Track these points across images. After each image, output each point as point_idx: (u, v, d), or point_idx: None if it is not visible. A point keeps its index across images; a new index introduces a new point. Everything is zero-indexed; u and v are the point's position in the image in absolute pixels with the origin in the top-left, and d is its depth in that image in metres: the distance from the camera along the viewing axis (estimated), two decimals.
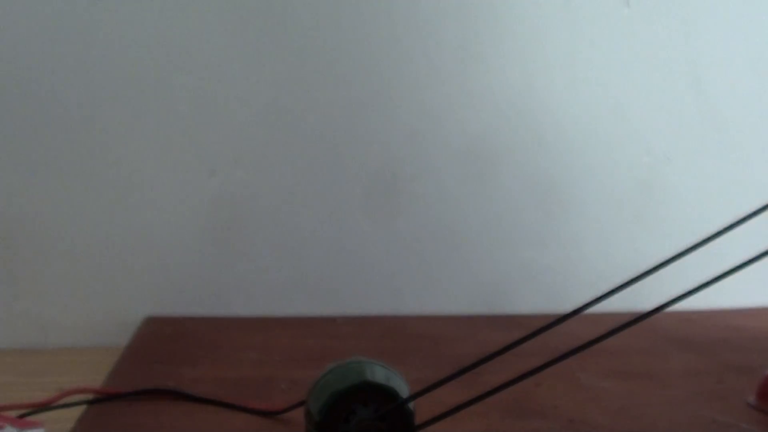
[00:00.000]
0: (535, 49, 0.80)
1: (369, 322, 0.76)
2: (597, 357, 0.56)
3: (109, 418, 0.49)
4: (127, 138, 0.73)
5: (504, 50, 0.79)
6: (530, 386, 0.53)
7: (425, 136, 0.79)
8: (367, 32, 0.77)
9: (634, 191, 0.84)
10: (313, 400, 0.40)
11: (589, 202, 0.83)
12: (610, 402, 0.54)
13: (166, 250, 0.75)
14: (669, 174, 0.84)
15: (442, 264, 0.81)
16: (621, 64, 0.82)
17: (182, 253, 0.76)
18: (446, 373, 0.39)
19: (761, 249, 0.39)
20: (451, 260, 0.81)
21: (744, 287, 0.82)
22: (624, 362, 0.63)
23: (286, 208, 0.77)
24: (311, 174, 0.77)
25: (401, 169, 0.79)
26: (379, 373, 0.40)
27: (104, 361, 0.62)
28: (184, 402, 0.52)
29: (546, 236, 0.83)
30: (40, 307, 0.73)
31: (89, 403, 0.51)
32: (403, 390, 0.40)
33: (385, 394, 0.39)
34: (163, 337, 0.68)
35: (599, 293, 0.40)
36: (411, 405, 0.40)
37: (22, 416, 0.49)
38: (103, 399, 0.52)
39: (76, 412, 0.50)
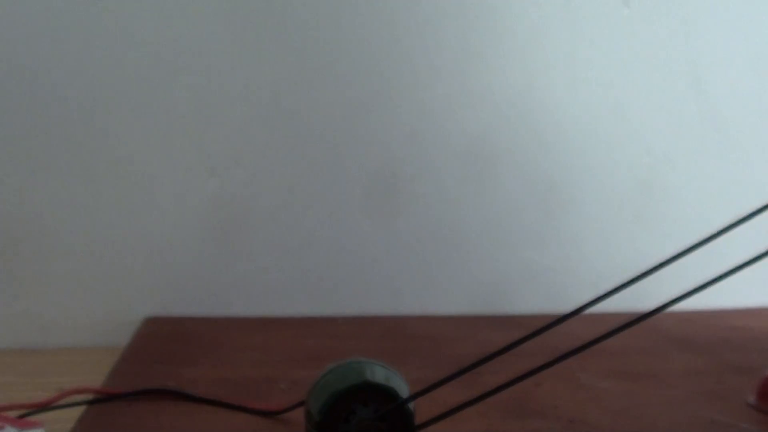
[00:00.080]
0: (535, 49, 0.80)
1: (369, 322, 0.76)
2: (597, 357, 0.56)
3: (109, 418, 0.49)
4: (127, 138, 0.74)
5: (504, 50, 0.79)
6: (530, 386, 0.53)
7: (425, 136, 0.79)
8: (367, 32, 0.77)
9: (634, 191, 0.84)
10: (313, 400, 0.40)
11: (589, 202, 0.83)
12: (610, 402, 0.54)
13: (166, 250, 0.75)
14: (669, 174, 0.84)
15: (442, 264, 0.81)
16: (621, 64, 0.82)
17: (182, 253, 0.76)
18: (446, 373, 0.39)
19: (761, 249, 0.39)
20: (451, 260, 0.81)
21: (744, 287, 0.82)
22: (624, 362, 0.63)
23: (286, 208, 0.77)
24: (311, 174, 0.77)
25: (401, 169, 0.79)
26: (379, 373, 0.40)
27: (104, 361, 0.62)
28: (184, 402, 0.52)
29: (546, 236, 0.83)
30: (40, 307, 0.73)
31: (89, 403, 0.51)
32: (403, 390, 0.40)
33: (385, 394, 0.39)
34: (163, 337, 0.68)
35: (599, 293, 0.40)
36: (411, 405, 0.40)
37: (22, 416, 0.48)
38: (103, 399, 0.52)
39: (76, 412, 0.50)
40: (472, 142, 0.80)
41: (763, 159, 0.86)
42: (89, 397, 0.52)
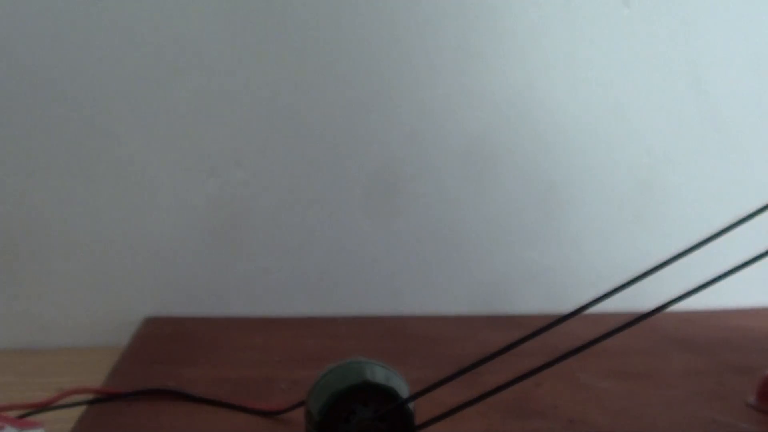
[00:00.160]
0: (535, 49, 0.80)
1: (369, 322, 0.76)
2: (597, 357, 0.56)
3: (109, 418, 0.49)
4: (127, 138, 0.74)
5: (504, 50, 0.79)
6: (530, 386, 0.53)
7: (425, 136, 0.79)
8: (367, 32, 0.77)
9: (634, 191, 0.84)
10: (313, 400, 0.40)
11: (589, 202, 0.83)
12: (610, 402, 0.54)
13: (166, 250, 0.75)
14: (669, 174, 0.84)
15: (442, 264, 0.81)
16: (621, 64, 0.82)
17: (182, 253, 0.76)
18: (446, 373, 0.39)
19: (761, 249, 0.39)
20: (451, 260, 0.81)
21: (744, 287, 0.82)
22: (624, 362, 0.63)
23: (286, 208, 0.77)
24: (311, 174, 0.77)
25: (401, 169, 0.79)
26: (379, 373, 0.40)
27: (104, 361, 0.62)
28: (184, 402, 0.52)
29: (546, 236, 0.83)
30: (40, 307, 0.73)
31: (89, 403, 0.51)
32: (403, 390, 0.40)
33: (385, 394, 0.39)
34: (163, 337, 0.68)
35: (599, 293, 0.40)
36: (411, 405, 0.40)
37: (22, 416, 0.48)
38: (103, 399, 0.52)
39: (76, 412, 0.50)
40: (472, 142, 0.80)
41: (763, 159, 0.86)
42: (89, 397, 0.52)
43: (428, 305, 0.81)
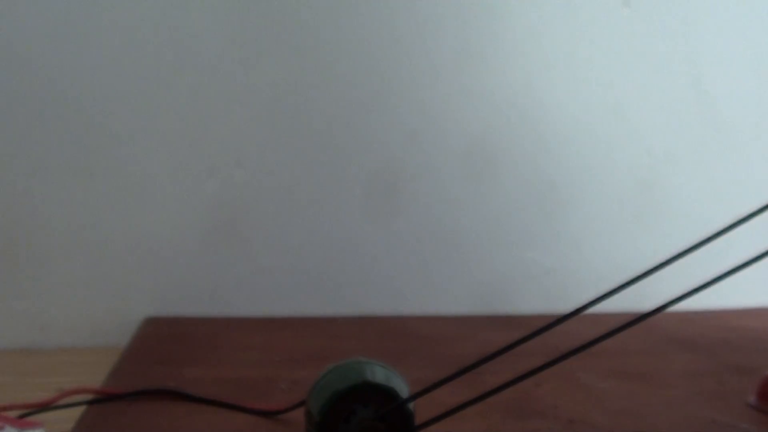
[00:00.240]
0: (535, 49, 0.80)
1: (369, 322, 0.76)
2: (597, 357, 0.56)
3: (109, 419, 0.49)
4: (127, 138, 0.73)
5: (504, 50, 0.79)
6: (530, 386, 0.53)
7: (425, 136, 0.79)
8: (367, 32, 0.77)
9: (634, 191, 0.84)
10: (313, 400, 0.40)
11: (589, 202, 0.83)
12: (610, 402, 0.54)
13: (166, 250, 0.75)
14: (669, 174, 0.84)
15: (442, 264, 0.81)
16: (621, 64, 0.82)
17: (182, 253, 0.76)
18: (446, 373, 0.39)
19: (761, 249, 0.39)
20: (451, 260, 0.81)
21: (744, 287, 0.82)
22: (624, 362, 0.63)
23: (286, 208, 0.77)
24: (311, 174, 0.77)
25: (401, 169, 0.79)
26: (379, 373, 0.40)
27: (104, 361, 0.62)
28: (184, 402, 0.52)
29: (546, 236, 0.83)
30: (40, 307, 0.73)
31: (89, 403, 0.51)
32: (403, 390, 0.40)
33: (385, 394, 0.39)
34: (163, 337, 0.68)
35: (599, 293, 0.40)
36: (411, 405, 0.40)
37: (22, 416, 0.48)
38: (103, 399, 0.52)
39: (76, 412, 0.50)
40: (471, 142, 0.80)
41: (763, 159, 0.86)
42: (89, 397, 0.52)
43: (428, 305, 0.81)
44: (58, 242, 0.73)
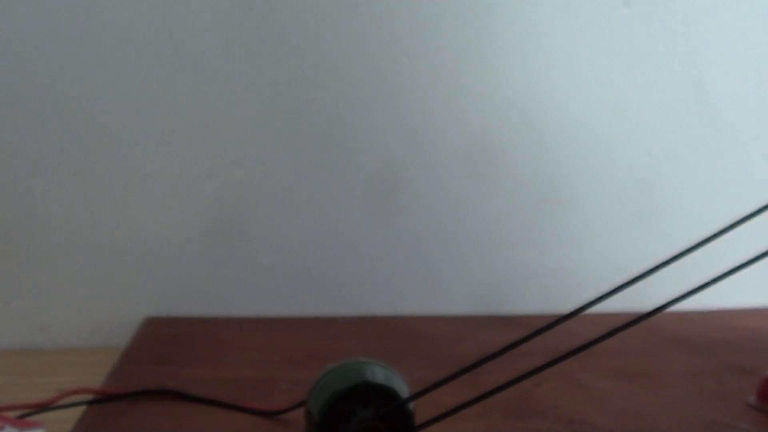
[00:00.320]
0: (535, 49, 0.80)
1: (369, 322, 0.76)
2: (597, 357, 0.56)
3: (109, 419, 0.49)
4: (127, 138, 0.73)
5: (504, 50, 0.79)
6: (530, 387, 0.53)
7: (425, 136, 0.79)
8: (367, 32, 0.77)
9: (634, 191, 0.84)
10: (313, 400, 0.40)
11: (589, 202, 0.83)
12: (610, 402, 0.54)
13: (166, 250, 0.75)
14: (669, 174, 0.84)
15: (442, 264, 0.81)
16: (621, 64, 0.82)
17: (182, 253, 0.76)
18: (446, 374, 0.39)
19: (761, 249, 0.39)
20: (451, 260, 0.81)
21: (744, 287, 0.82)
22: (624, 362, 0.63)
23: (286, 208, 0.77)
24: (311, 174, 0.77)
25: (401, 169, 0.79)
26: (379, 374, 0.40)
27: (104, 361, 0.62)
28: (184, 402, 0.52)
29: (546, 236, 0.83)
30: (40, 307, 0.73)
31: (89, 403, 0.51)
32: (403, 390, 0.40)
33: (385, 394, 0.39)
34: (163, 337, 0.68)
35: (599, 293, 0.40)
36: (411, 405, 0.40)
37: (22, 416, 0.48)
38: (103, 399, 0.52)
39: (76, 412, 0.50)
40: (472, 142, 0.80)
41: (763, 159, 0.86)
42: (89, 397, 0.52)
43: (428, 305, 0.81)
44: (58, 242, 0.73)
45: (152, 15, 0.72)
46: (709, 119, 0.84)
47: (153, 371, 0.58)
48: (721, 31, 0.83)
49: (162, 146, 0.74)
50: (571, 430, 0.49)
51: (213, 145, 0.75)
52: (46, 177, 0.72)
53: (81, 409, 0.51)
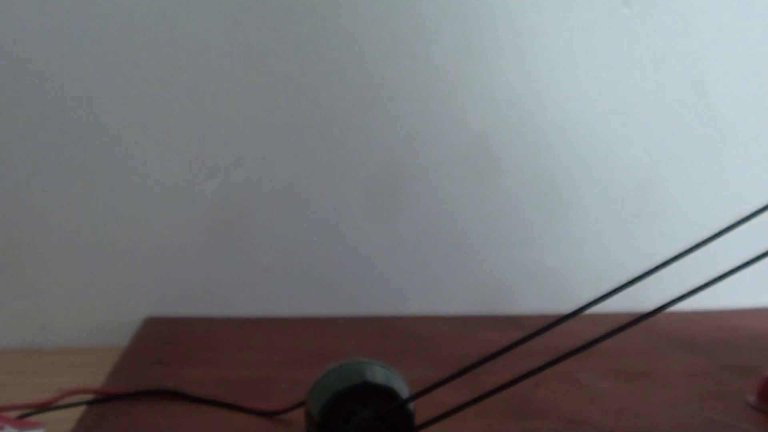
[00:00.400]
0: (535, 49, 0.80)
1: (369, 322, 0.76)
2: (597, 357, 0.56)
3: (109, 419, 0.49)
4: (127, 138, 0.73)
5: (505, 50, 0.79)
6: (530, 387, 0.53)
7: (426, 136, 0.79)
8: (368, 32, 0.77)
9: (634, 191, 0.84)
10: (313, 400, 0.40)
11: (589, 202, 0.83)
12: (610, 402, 0.54)
13: (166, 250, 0.75)
14: (669, 174, 0.84)
15: (443, 264, 0.81)
16: (621, 64, 0.82)
17: (182, 253, 0.76)
18: (446, 374, 0.39)
19: (761, 249, 0.39)
20: (451, 260, 0.81)
21: (744, 287, 0.82)
22: (624, 363, 0.63)
23: (286, 208, 0.77)
24: (311, 174, 0.77)
25: (402, 168, 0.79)
26: (379, 374, 0.40)
27: (104, 361, 0.62)
28: (184, 402, 0.52)
29: (546, 236, 0.83)
30: (40, 307, 0.73)
31: (89, 403, 0.51)
32: (403, 390, 0.40)
33: (385, 394, 0.39)
34: (163, 337, 0.68)
35: (599, 293, 0.40)
36: (411, 405, 0.40)
37: (22, 416, 0.48)
38: (103, 399, 0.52)
39: (76, 412, 0.50)
40: (472, 142, 0.80)
41: (763, 159, 0.86)
42: (89, 397, 0.52)
43: (428, 305, 0.81)
44: (58, 242, 0.73)
45: (152, 15, 0.72)
46: (709, 119, 0.84)
47: (153, 371, 0.58)
48: (721, 31, 0.83)
49: (162, 146, 0.74)
50: (571, 430, 0.49)
51: (213, 145, 0.75)
52: (46, 177, 0.72)
53: (81, 409, 0.51)
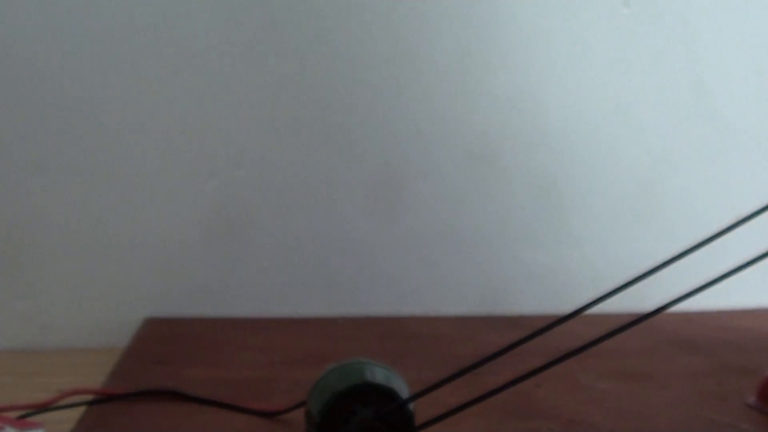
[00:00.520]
0: (535, 50, 0.80)
1: (369, 322, 0.76)
2: (597, 358, 0.56)
3: (109, 419, 0.49)
4: (128, 138, 0.73)
5: (505, 50, 0.79)
6: (530, 387, 0.53)
7: (427, 135, 0.79)
8: (369, 32, 0.77)
9: (634, 191, 0.84)
10: (313, 400, 0.40)
11: (590, 202, 0.83)
12: (610, 403, 0.54)
13: (166, 250, 0.75)
14: (669, 174, 0.84)
15: (443, 264, 0.81)
16: (621, 64, 0.82)
17: (182, 253, 0.76)
18: (446, 374, 0.39)
19: (761, 249, 0.39)
20: (451, 260, 0.81)
21: (744, 288, 0.82)
22: (624, 363, 0.63)
23: (286, 208, 0.77)
24: (312, 174, 0.77)
25: (402, 168, 0.79)
26: (379, 374, 0.40)
27: (104, 362, 0.62)
28: (184, 402, 0.52)
29: (546, 236, 0.83)
30: (40, 307, 0.73)
31: (89, 403, 0.51)
32: (403, 391, 0.40)
33: (385, 394, 0.39)
34: (163, 338, 0.68)
35: (600, 293, 0.40)
36: (411, 406, 0.40)
37: (22, 417, 0.48)
38: (103, 400, 0.52)
39: (76, 412, 0.50)
40: (473, 142, 0.80)
41: (763, 159, 0.86)
42: (89, 397, 0.52)
43: (428, 305, 0.81)
44: (58, 242, 0.73)
45: (152, 15, 0.72)
46: (709, 119, 0.84)
47: (153, 371, 0.58)
48: (721, 32, 0.83)
49: (162, 146, 0.74)
50: (571, 430, 0.49)
51: (213, 145, 0.75)
52: (46, 177, 0.72)
53: (81, 409, 0.51)
